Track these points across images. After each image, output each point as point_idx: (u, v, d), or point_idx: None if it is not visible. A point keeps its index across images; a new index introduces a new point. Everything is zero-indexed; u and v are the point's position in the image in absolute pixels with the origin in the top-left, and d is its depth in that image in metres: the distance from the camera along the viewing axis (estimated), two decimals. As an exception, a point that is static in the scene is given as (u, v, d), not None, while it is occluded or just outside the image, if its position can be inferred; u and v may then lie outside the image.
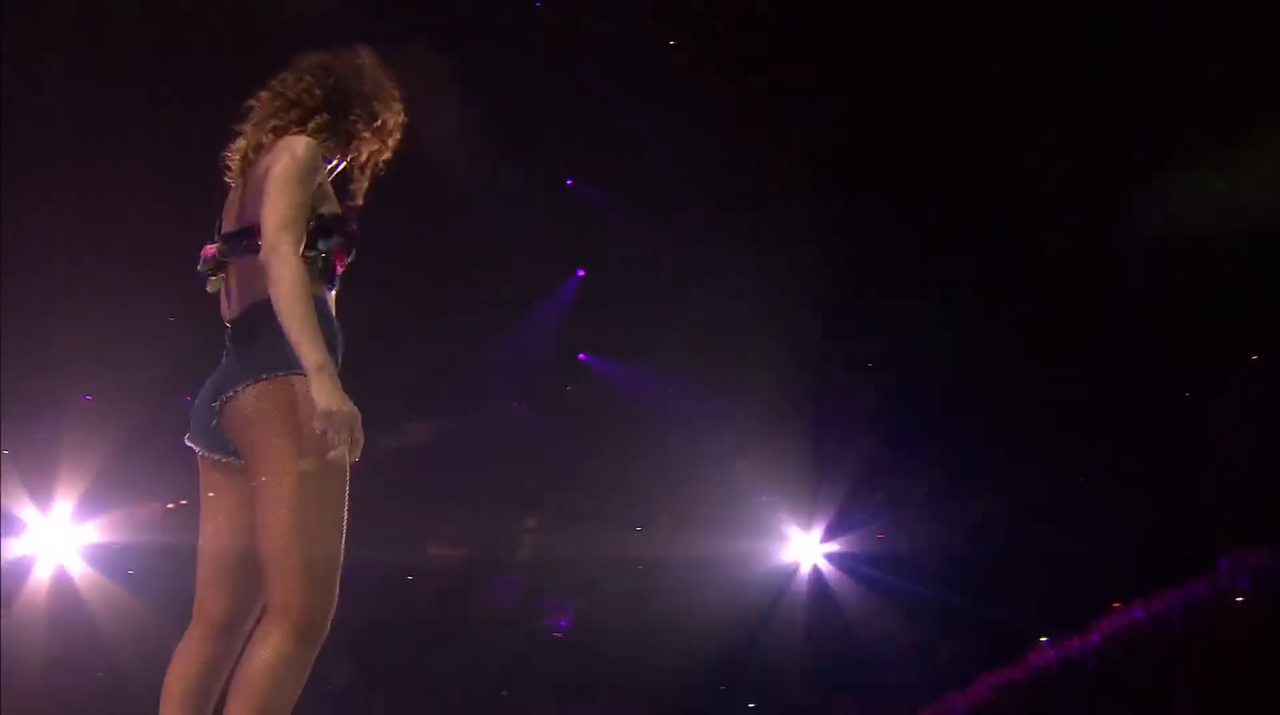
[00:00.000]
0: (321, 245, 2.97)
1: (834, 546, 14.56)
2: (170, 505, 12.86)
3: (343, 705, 13.18)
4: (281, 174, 2.85)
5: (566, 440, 14.14)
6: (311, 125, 3.05)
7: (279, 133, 3.04)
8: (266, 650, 2.70)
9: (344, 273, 3.13)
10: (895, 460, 13.80)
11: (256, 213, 2.90)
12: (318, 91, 3.15)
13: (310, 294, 2.78)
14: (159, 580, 13.05)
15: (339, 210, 3.05)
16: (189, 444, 3.02)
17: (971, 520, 13.38)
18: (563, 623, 15.44)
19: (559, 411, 14.12)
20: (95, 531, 12.71)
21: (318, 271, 2.95)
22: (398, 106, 3.24)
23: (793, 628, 14.30)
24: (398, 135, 3.25)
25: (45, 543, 12.44)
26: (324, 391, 2.66)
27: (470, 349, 12.79)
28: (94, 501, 12.56)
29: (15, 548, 12.37)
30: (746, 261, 12.40)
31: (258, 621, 2.93)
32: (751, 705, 14.25)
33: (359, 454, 2.78)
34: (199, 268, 3.03)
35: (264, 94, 3.20)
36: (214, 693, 2.91)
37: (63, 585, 12.50)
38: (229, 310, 3.01)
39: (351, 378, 3.08)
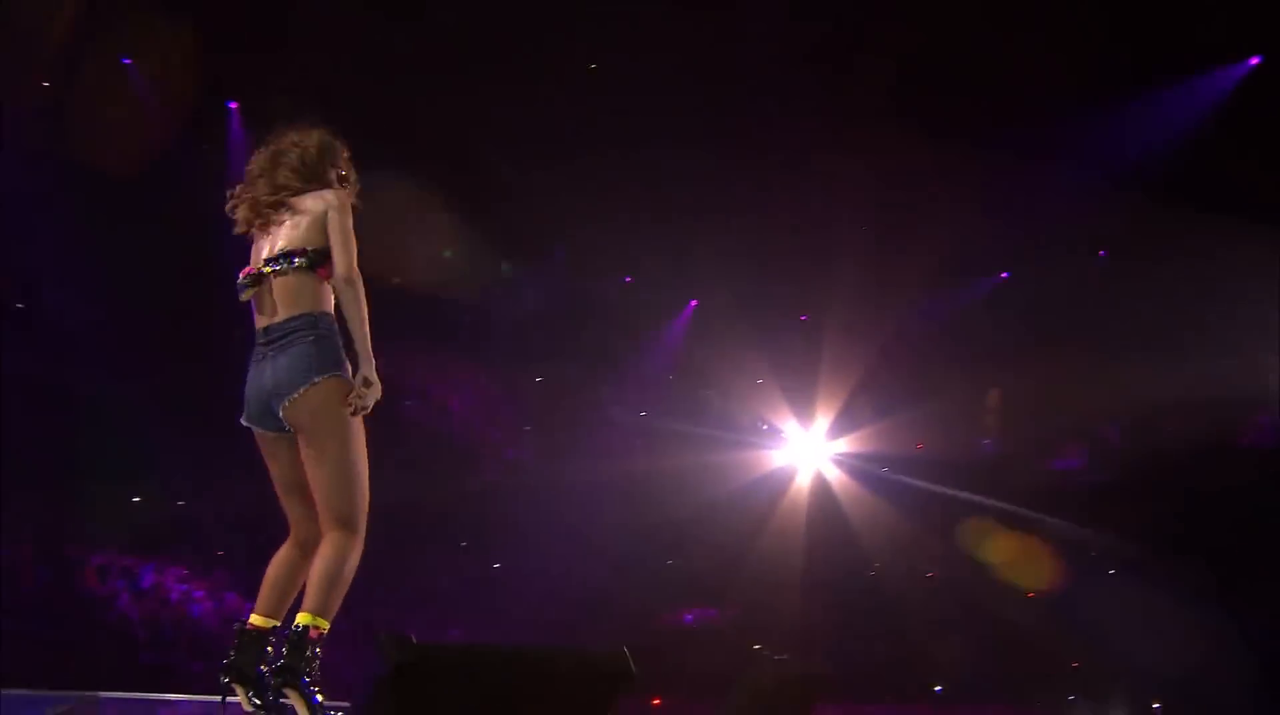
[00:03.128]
0: None
1: None
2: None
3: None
4: (343, 223, 3.94)
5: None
6: (336, 179, 4.12)
7: (304, 183, 4.05)
8: (333, 550, 3.81)
9: None
10: None
11: (304, 239, 3.97)
12: (315, 149, 4.14)
13: (363, 300, 3.92)
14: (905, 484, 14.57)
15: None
16: (245, 424, 4.01)
17: None
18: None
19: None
20: (845, 444, 15.87)
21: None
22: (351, 170, 4.27)
23: None
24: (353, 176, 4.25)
25: (806, 454, 15.88)
26: (371, 371, 3.85)
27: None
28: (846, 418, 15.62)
29: (778, 458, 15.90)
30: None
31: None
32: None
33: (369, 410, 3.89)
34: (239, 281, 3.98)
35: (265, 156, 4.16)
36: (295, 585, 3.98)
37: (820, 489, 15.52)
38: (268, 317, 3.96)
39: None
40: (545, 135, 13.27)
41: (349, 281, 3.89)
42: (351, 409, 3.85)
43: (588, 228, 14.28)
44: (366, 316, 3.88)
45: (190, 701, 4.89)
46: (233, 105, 12.24)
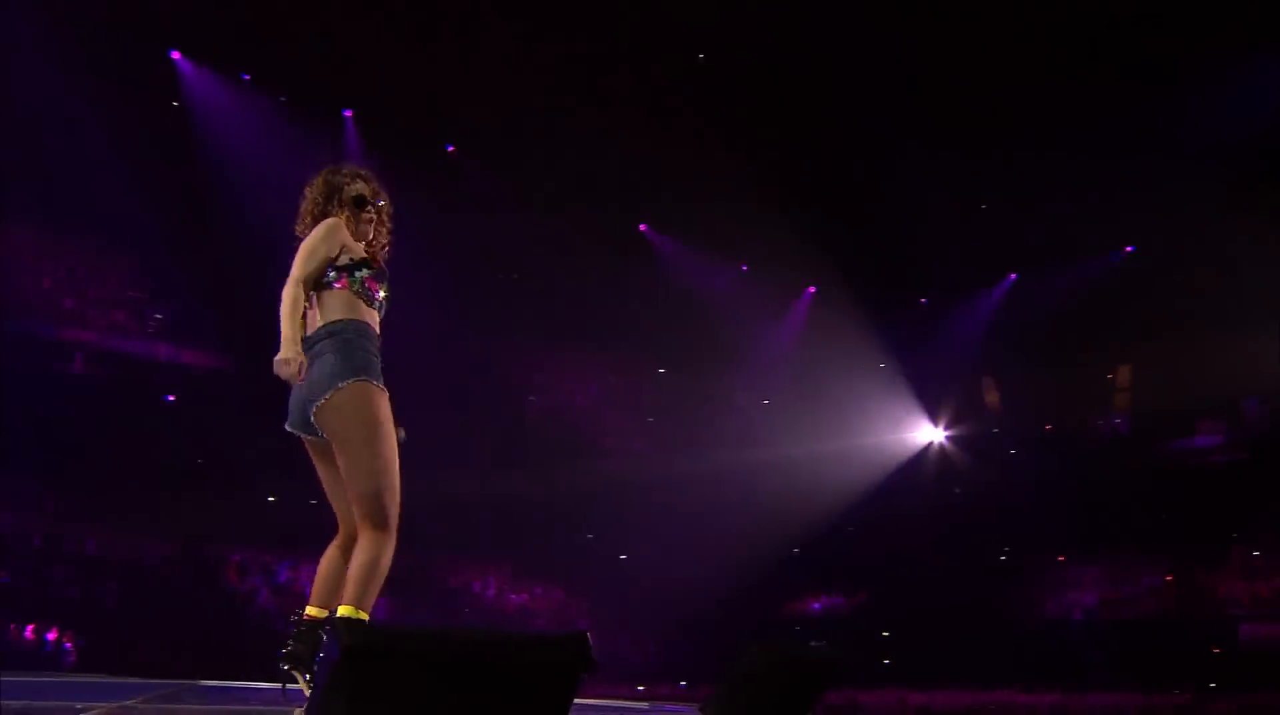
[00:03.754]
0: (358, 274, 4.30)
1: None
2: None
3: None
4: (308, 243, 4.31)
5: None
6: (348, 207, 4.45)
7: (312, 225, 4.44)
8: (363, 551, 4.12)
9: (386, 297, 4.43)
10: None
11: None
12: (319, 194, 4.49)
13: (297, 307, 4.20)
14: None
15: (365, 255, 4.40)
16: (290, 430, 4.32)
17: None
18: None
19: None
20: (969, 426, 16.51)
21: (359, 293, 4.32)
22: (366, 185, 4.52)
23: None
24: (379, 201, 4.53)
25: (929, 437, 16.47)
26: (283, 347, 4.08)
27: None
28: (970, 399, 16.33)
29: (901, 443, 16.52)
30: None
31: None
32: None
33: (298, 380, 4.12)
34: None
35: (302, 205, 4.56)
36: (343, 577, 4.23)
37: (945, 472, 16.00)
38: (307, 333, 4.33)
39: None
40: (656, 126, 13.35)
41: (288, 283, 4.27)
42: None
43: (703, 218, 14.39)
44: (292, 313, 4.19)
45: (272, 689, 5.12)
46: (348, 114, 12.59)
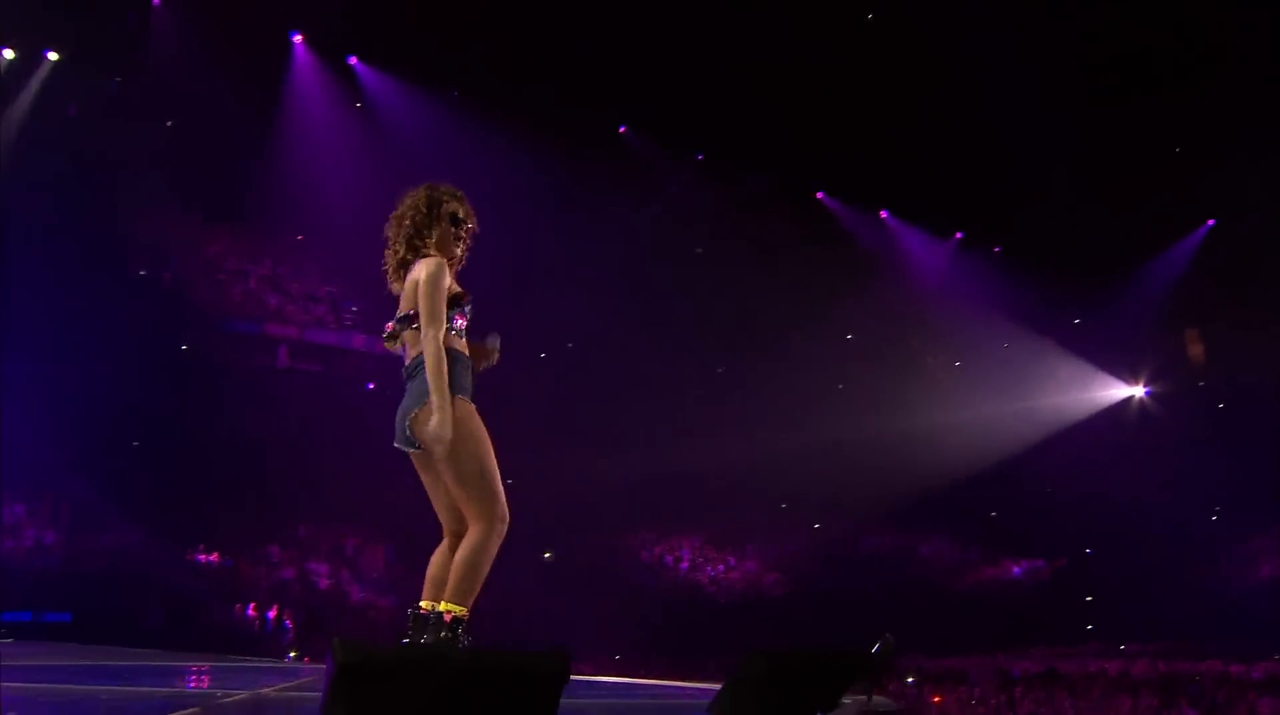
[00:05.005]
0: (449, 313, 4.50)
1: None
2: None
3: None
4: (428, 291, 4.46)
5: None
6: (434, 244, 4.56)
7: (414, 251, 4.59)
8: (469, 543, 4.41)
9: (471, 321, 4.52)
10: None
11: (411, 303, 4.52)
12: (421, 203, 4.59)
13: (443, 360, 4.40)
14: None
15: (458, 289, 4.58)
16: (396, 446, 4.52)
17: None
18: None
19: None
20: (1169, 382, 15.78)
21: (447, 330, 4.52)
22: (461, 206, 4.64)
23: None
24: (472, 219, 4.63)
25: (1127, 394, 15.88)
26: (438, 420, 4.32)
27: None
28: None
29: (1097, 401, 15.98)
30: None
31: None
32: None
33: (443, 450, 4.33)
34: (383, 336, 4.48)
35: (391, 223, 4.67)
36: (448, 575, 4.46)
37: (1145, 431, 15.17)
38: (405, 360, 4.57)
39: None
40: (831, 94, 13.21)
41: (426, 336, 4.45)
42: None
43: (879, 179, 14.26)
44: (439, 361, 4.41)
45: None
46: (516, 102, 12.85)
